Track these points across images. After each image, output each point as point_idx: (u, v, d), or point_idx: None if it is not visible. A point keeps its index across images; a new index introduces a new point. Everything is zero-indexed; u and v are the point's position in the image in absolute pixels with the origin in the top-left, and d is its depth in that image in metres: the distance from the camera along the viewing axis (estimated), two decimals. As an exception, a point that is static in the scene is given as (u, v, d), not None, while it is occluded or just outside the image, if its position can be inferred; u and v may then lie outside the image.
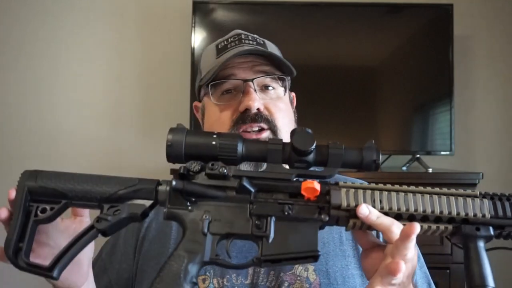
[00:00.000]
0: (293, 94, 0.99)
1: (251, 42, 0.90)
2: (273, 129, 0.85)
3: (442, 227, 0.60)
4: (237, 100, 0.86)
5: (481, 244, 0.58)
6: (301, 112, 0.99)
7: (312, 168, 0.63)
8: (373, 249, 0.63)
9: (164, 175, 1.87)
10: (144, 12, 2.20)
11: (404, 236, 0.57)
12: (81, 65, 2.19)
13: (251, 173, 0.63)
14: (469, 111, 2.18)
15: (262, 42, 0.92)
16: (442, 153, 2.02)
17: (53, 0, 2.18)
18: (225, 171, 0.61)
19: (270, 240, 0.60)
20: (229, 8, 2.05)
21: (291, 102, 0.95)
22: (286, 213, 0.60)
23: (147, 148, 2.16)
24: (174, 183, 0.61)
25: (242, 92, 0.85)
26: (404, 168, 2.01)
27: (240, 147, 0.61)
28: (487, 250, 0.59)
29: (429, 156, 2.04)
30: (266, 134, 0.84)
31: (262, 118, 0.84)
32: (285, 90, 0.90)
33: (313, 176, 0.62)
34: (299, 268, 0.80)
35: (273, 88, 0.88)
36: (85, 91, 2.19)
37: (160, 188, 0.62)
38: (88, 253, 0.71)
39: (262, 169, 0.62)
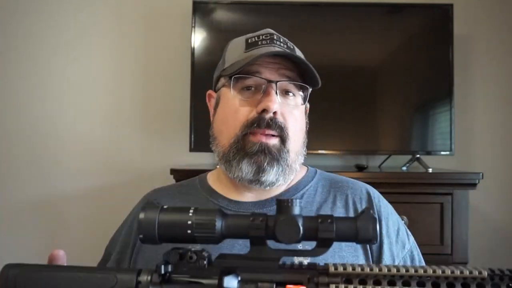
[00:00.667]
0: (307, 104, 0.98)
1: (282, 44, 0.90)
2: (284, 137, 0.84)
3: None
4: (256, 99, 0.85)
5: None
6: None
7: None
8: None
9: (164, 175, 1.88)
10: (144, 12, 2.20)
11: None
12: (81, 65, 2.19)
13: (232, 262, 0.59)
14: (469, 111, 2.18)
15: (292, 47, 0.92)
16: (442, 153, 2.02)
17: (53, 0, 2.19)
18: (205, 263, 0.57)
19: None
20: (229, 8, 2.05)
21: (305, 111, 0.95)
22: None
23: (147, 148, 2.17)
24: None
25: (263, 91, 0.85)
26: (404, 168, 2.01)
27: (219, 225, 0.56)
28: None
29: (429, 156, 2.04)
30: (275, 141, 0.84)
31: (276, 125, 0.83)
32: (304, 101, 0.90)
33: (302, 255, 0.58)
34: None
35: (293, 95, 0.88)
36: (85, 91, 2.19)
37: (140, 287, 0.59)
38: None
39: (245, 253, 0.59)
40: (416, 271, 0.54)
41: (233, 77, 0.86)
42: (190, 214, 0.56)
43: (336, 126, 2.03)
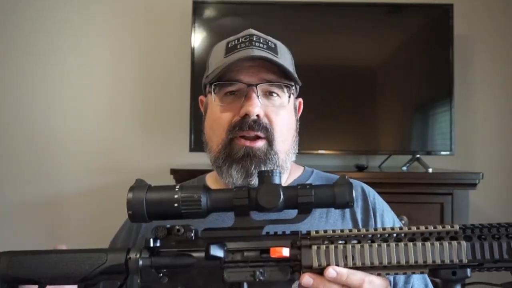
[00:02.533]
0: (300, 100, 0.97)
1: (261, 45, 0.88)
2: (269, 138, 0.84)
3: (418, 271, 0.58)
4: (239, 103, 0.85)
5: (457, 287, 0.57)
6: (301, 112, 0.99)
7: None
8: None
9: (164, 175, 1.88)
10: (144, 12, 2.20)
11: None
12: (81, 66, 2.19)
13: (218, 233, 0.62)
14: (469, 111, 2.17)
15: (273, 46, 0.90)
16: (442, 153, 2.02)
17: (53, 1, 2.18)
18: (192, 235, 0.60)
19: None
20: (229, 8, 2.05)
21: (296, 109, 0.93)
22: (257, 279, 0.59)
23: (147, 148, 2.16)
24: (141, 262, 0.60)
25: (245, 96, 0.84)
26: (404, 168, 2.01)
27: (204, 200, 0.59)
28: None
29: (429, 156, 2.03)
30: (261, 144, 0.84)
31: (260, 126, 0.83)
32: (289, 97, 0.88)
33: (285, 223, 0.61)
34: None
35: (277, 95, 0.87)
36: (85, 91, 2.19)
37: (130, 261, 0.61)
38: None
39: (230, 226, 0.62)
40: (392, 229, 0.59)
41: (213, 85, 0.86)
42: (176, 191, 0.59)
43: (336, 126, 2.03)
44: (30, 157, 2.16)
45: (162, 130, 2.18)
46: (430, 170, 1.89)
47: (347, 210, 0.91)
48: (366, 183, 0.98)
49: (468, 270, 0.57)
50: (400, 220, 0.99)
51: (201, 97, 0.98)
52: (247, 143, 0.83)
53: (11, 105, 2.17)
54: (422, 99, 2.07)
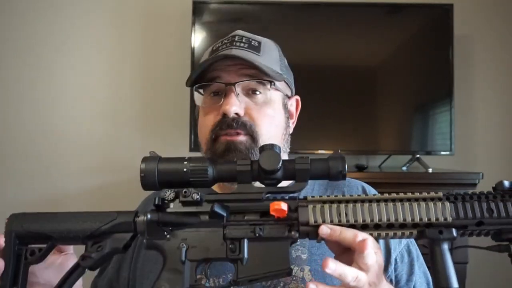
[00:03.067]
0: (297, 97, 0.96)
1: (242, 44, 0.87)
2: (252, 134, 0.83)
3: (407, 232, 0.62)
4: (219, 104, 0.85)
5: (445, 246, 0.60)
6: (301, 112, 0.99)
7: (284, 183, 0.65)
8: (344, 253, 0.64)
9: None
10: (144, 12, 2.20)
11: (359, 251, 0.60)
12: (81, 65, 2.19)
13: (222, 196, 0.66)
14: (469, 111, 2.18)
15: (256, 45, 0.89)
16: (442, 153, 2.02)
17: (54, 1, 2.19)
18: (197, 197, 0.63)
19: (245, 262, 0.62)
20: (229, 8, 2.05)
21: (285, 106, 0.91)
22: (257, 234, 0.63)
23: (147, 147, 2.16)
24: (149, 216, 0.64)
25: (224, 95, 0.84)
26: (404, 168, 2.01)
27: (210, 170, 0.63)
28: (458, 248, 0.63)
29: (429, 156, 2.04)
30: (243, 138, 0.83)
31: (239, 124, 0.82)
32: (271, 90, 0.87)
33: (284, 192, 0.65)
34: (295, 269, 0.80)
35: (260, 92, 0.86)
36: (85, 91, 2.19)
37: (138, 220, 0.65)
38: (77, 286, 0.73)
39: (233, 191, 0.65)
40: (382, 195, 0.64)
41: (196, 88, 0.88)
42: (185, 163, 0.64)
43: (336, 126, 2.03)
44: (31, 157, 2.16)
45: (162, 130, 2.18)
46: (430, 170, 1.89)
47: None
48: (366, 183, 0.98)
49: (454, 230, 0.61)
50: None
51: None
52: (228, 137, 0.83)
53: (12, 106, 2.17)
54: (422, 99, 2.07)
